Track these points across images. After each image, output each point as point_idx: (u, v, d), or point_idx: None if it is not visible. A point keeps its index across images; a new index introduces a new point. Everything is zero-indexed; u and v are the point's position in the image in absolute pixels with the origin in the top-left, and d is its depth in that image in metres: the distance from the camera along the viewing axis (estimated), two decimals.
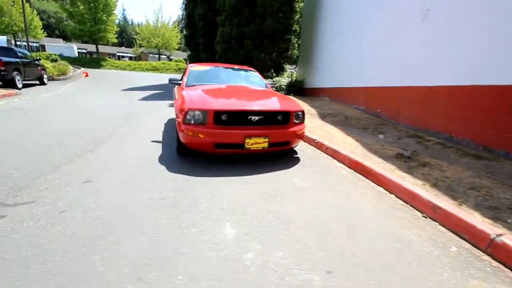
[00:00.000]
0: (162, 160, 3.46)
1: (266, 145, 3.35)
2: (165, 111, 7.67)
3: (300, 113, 3.69)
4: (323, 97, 9.91)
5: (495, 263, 1.73)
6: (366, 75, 7.04)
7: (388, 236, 2.01)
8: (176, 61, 33.95)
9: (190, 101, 3.41)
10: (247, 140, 3.23)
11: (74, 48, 32.73)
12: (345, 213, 2.32)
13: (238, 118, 3.28)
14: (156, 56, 39.67)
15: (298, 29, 12.95)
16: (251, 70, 5.41)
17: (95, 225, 1.97)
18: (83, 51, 39.36)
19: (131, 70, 27.84)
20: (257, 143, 3.29)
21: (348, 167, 3.54)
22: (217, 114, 3.22)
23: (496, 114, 3.62)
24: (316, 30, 11.00)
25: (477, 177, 3.10)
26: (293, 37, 12.52)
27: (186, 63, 34.35)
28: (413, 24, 5.40)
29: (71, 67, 16.10)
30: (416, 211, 2.40)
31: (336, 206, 2.45)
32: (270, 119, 3.43)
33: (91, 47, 39.48)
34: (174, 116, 6.77)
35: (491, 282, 1.57)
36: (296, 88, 12.72)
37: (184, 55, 45.31)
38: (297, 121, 3.66)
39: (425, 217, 2.30)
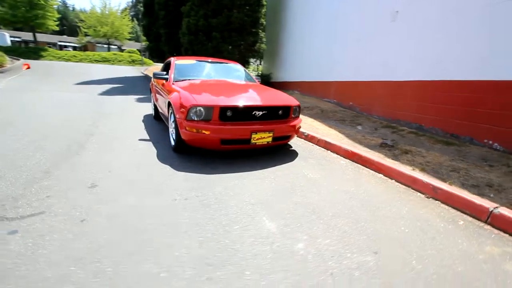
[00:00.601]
0: (162, 159, 3.32)
1: (270, 139, 3.42)
2: (136, 107, 7.22)
3: (297, 107, 3.82)
4: (293, 91, 10.24)
5: (496, 231, 2.08)
6: (339, 70, 7.47)
7: (407, 216, 2.26)
8: (130, 52, 31.66)
9: (192, 97, 3.30)
10: (253, 135, 3.26)
11: (5, 36, 28.27)
12: (362, 199, 2.53)
13: (243, 114, 3.29)
14: (105, 46, 36.43)
15: (264, 22, 13.01)
16: (236, 64, 5.38)
17: (129, 231, 1.86)
18: (17, 39, 34.33)
19: (77, 62, 25.23)
20: (262, 138, 3.34)
21: (344, 157, 3.79)
22: (223, 110, 3.19)
23: (462, 106, 4.19)
24: (284, 24, 11.23)
25: (453, 161, 3.58)
26: (260, 30, 12.59)
27: (140, 54, 32.19)
28: (385, 24, 5.88)
29: (7, 58, 13.98)
30: (419, 193, 2.72)
31: (352, 193, 2.65)
32: (273, 114, 3.50)
33: (27, 35, 34.68)
34: (151, 112, 6.45)
35: (500, 246, 1.89)
36: (263, 82, 12.93)
37: (138, 45, 42.41)
38: (294, 116, 3.79)
39: (428, 198, 2.62)
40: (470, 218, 2.26)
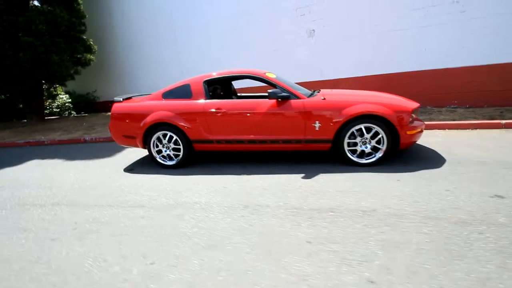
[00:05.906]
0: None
1: None
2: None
3: None
4: None
5: None
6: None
7: None
8: None
9: (404, 102, 3.34)
10: None
11: None
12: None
13: None
14: None
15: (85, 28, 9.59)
16: None
17: None
18: None
19: None
20: None
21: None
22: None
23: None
24: (127, 31, 9.35)
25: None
26: (86, 38, 9.27)
27: None
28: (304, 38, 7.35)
29: None
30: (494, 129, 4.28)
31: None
32: None
33: None
34: (123, 166, 3.69)
35: None
36: (84, 105, 11.20)
37: None
38: None
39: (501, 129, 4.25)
40: None
